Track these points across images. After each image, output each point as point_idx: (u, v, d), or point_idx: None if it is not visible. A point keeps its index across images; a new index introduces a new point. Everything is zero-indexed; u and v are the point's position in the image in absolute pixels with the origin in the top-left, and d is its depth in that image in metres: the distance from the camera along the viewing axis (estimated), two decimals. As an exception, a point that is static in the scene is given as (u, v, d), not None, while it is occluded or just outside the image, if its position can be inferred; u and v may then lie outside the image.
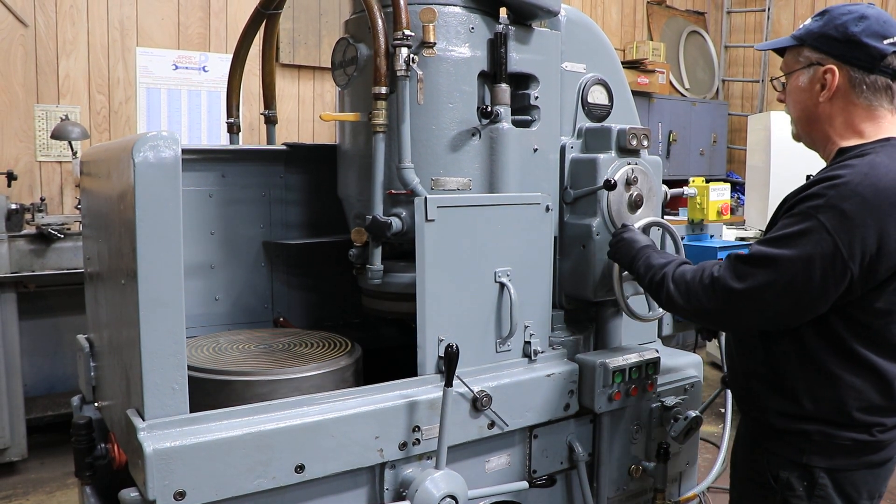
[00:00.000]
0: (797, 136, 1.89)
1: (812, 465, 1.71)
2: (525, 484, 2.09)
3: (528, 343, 2.09)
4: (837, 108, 1.74)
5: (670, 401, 2.30)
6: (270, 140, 2.70)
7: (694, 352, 2.66)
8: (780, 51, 1.87)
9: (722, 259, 1.73)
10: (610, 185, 2.11)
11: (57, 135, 4.40)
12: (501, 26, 2.06)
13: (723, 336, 2.39)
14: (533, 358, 2.09)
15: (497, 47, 2.06)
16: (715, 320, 1.83)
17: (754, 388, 1.82)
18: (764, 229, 1.82)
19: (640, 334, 2.45)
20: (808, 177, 1.92)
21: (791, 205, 1.66)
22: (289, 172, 2.59)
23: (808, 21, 1.79)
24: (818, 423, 1.70)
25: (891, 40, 1.68)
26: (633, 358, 2.18)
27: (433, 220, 1.87)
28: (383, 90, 1.97)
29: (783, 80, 1.86)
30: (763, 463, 1.79)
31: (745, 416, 1.91)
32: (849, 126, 1.74)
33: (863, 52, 1.68)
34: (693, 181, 2.66)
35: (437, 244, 1.89)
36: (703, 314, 1.77)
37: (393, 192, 2.05)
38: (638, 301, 2.21)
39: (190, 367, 1.74)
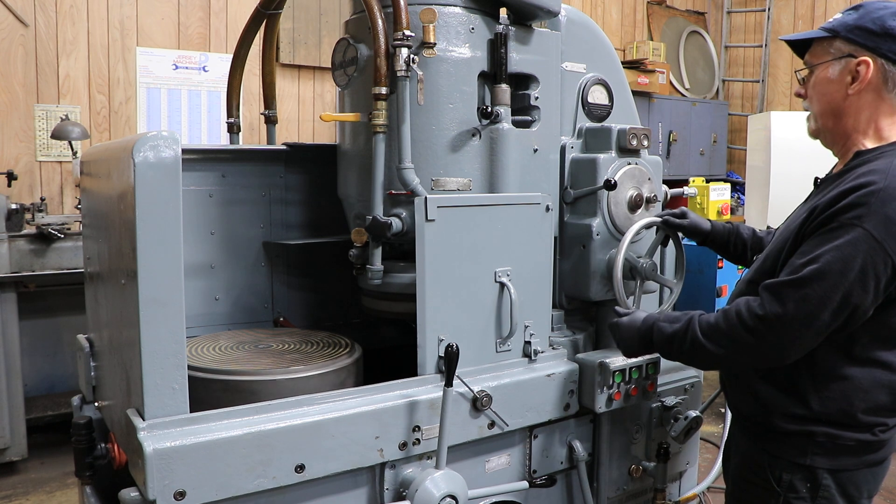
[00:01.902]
0: (815, 132, 1.84)
1: (816, 467, 1.70)
2: (525, 484, 2.09)
3: (529, 343, 2.09)
4: (865, 101, 1.71)
5: (670, 401, 2.29)
6: (270, 140, 2.71)
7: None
8: (800, 49, 1.84)
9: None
10: (610, 185, 2.11)
11: (57, 135, 4.39)
12: (501, 27, 2.06)
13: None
14: (533, 358, 2.09)
15: (497, 48, 2.07)
16: (771, 357, 1.66)
17: (759, 389, 1.79)
18: (775, 235, 1.75)
19: (640, 334, 2.45)
20: (815, 179, 1.89)
21: (824, 219, 1.60)
22: (289, 172, 2.59)
23: (840, 15, 1.75)
24: (823, 424, 1.69)
25: None
26: (633, 358, 2.18)
27: (433, 220, 1.87)
28: (383, 90, 1.97)
29: (805, 73, 1.82)
30: (764, 465, 1.78)
31: (744, 419, 1.87)
32: (871, 122, 1.72)
33: None
34: (693, 181, 2.67)
35: (437, 244, 1.89)
36: (754, 356, 1.67)
37: (393, 192, 2.05)
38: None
39: (190, 367, 1.74)
